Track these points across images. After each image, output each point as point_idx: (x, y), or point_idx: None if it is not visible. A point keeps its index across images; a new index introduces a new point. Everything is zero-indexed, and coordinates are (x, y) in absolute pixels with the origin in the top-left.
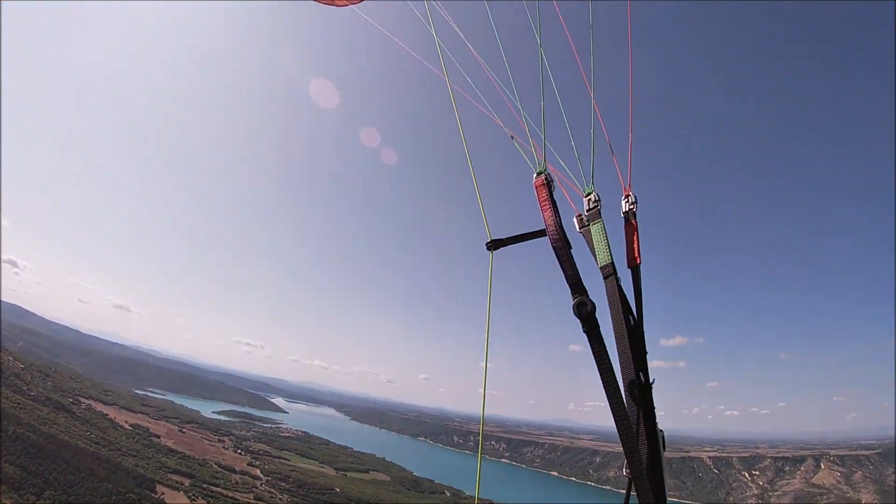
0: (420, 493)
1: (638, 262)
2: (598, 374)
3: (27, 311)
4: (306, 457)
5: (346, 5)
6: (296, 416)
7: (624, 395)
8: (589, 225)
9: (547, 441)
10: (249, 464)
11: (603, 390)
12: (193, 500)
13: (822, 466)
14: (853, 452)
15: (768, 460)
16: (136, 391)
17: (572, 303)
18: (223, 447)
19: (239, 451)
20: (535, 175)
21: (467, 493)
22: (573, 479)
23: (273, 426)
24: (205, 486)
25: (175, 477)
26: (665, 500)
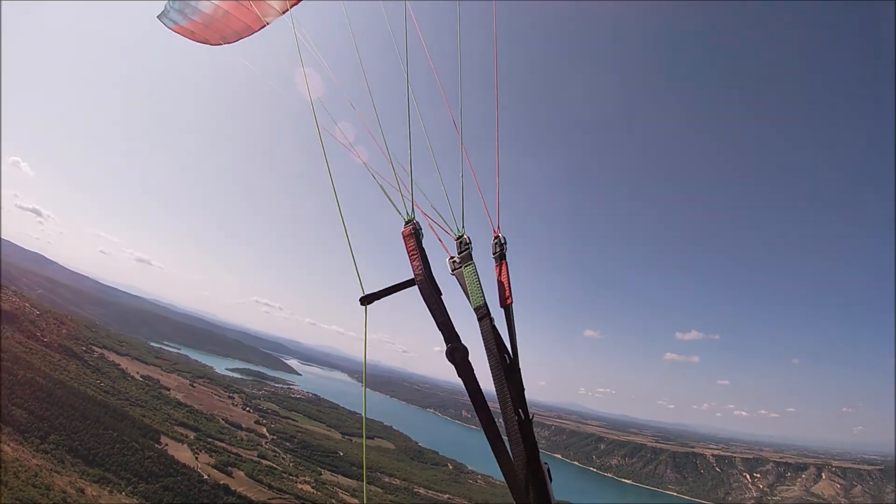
0: (423, 464)
1: (509, 301)
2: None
3: (48, 259)
4: (314, 419)
5: (221, 44)
6: (308, 379)
7: (505, 435)
8: (461, 267)
9: (554, 423)
10: (257, 422)
11: (503, 420)
12: (197, 453)
13: (823, 476)
14: (855, 466)
15: (771, 464)
16: (152, 344)
17: (445, 349)
18: (232, 404)
19: (248, 408)
20: (404, 224)
21: (469, 468)
22: (576, 463)
23: (285, 387)
24: (209, 440)
25: (181, 429)
26: None
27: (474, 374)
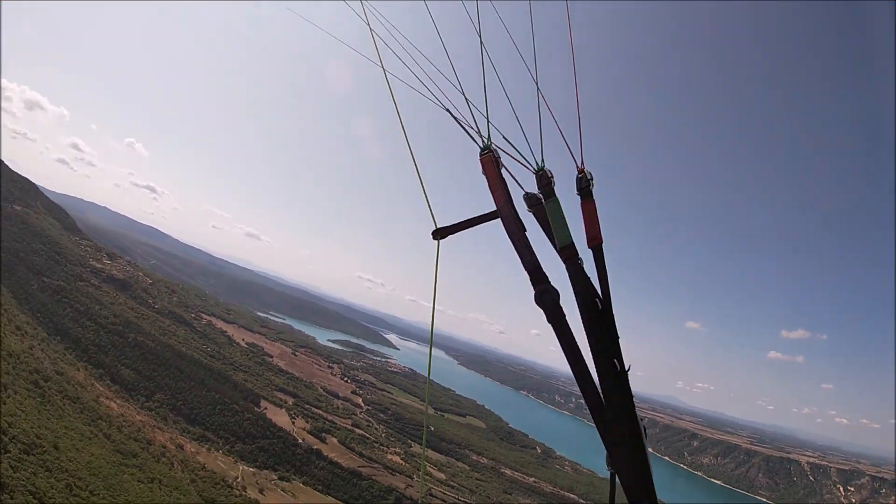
0: (511, 445)
1: (599, 240)
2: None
3: (163, 233)
4: (409, 393)
5: None
6: (406, 354)
7: (599, 386)
8: (543, 203)
9: (648, 416)
10: (353, 392)
11: (590, 378)
12: (294, 418)
13: None
14: None
15: (867, 478)
16: (258, 313)
17: (533, 292)
18: (331, 373)
19: (346, 378)
20: (480, 152)
21: (558, 453)
22: (666, 458)
23: (382, 360)
24: (307, 406)
25: (280, 395)
26: (654, 494)
27: (566, 320)
